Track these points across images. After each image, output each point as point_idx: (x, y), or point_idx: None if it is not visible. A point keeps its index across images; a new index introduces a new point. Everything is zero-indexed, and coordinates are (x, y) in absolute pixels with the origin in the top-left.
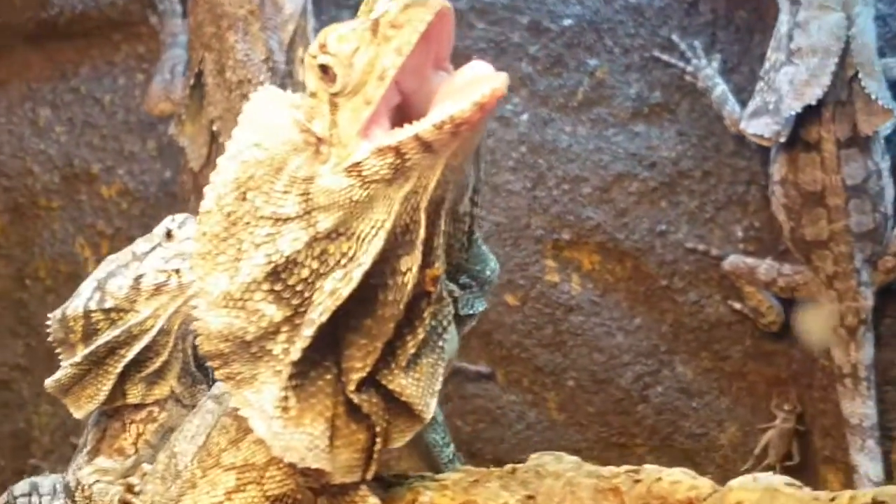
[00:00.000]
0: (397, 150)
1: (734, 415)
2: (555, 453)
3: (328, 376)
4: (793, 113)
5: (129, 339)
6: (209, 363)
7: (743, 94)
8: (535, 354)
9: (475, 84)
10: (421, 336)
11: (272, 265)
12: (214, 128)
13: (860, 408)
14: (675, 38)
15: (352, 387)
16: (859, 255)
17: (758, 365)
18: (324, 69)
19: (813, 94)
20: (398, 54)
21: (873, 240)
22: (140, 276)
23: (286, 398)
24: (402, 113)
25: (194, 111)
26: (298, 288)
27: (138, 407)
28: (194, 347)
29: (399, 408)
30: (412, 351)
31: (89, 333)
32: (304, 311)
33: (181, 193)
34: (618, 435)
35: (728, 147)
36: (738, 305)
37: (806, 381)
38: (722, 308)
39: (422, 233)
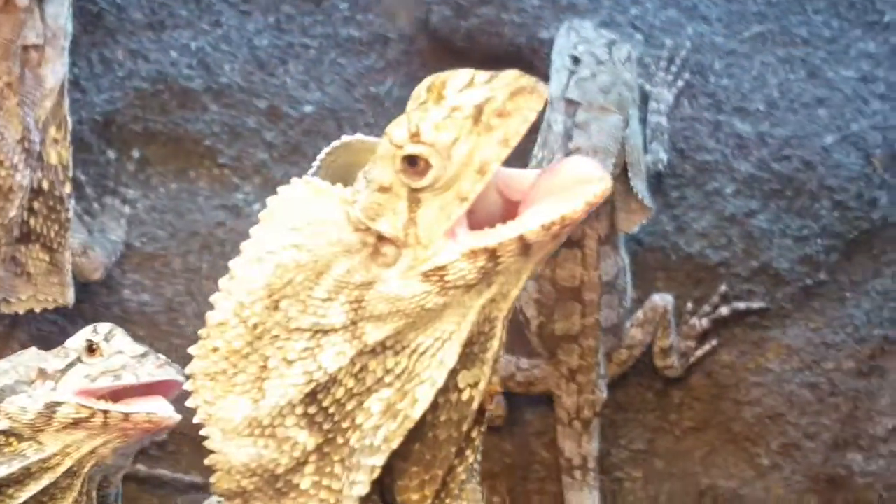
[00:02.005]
0: (493, 253)
1: None
2: None
3: None
4: None
5: (23, 476)
6: (225, 503)
7: None
8: None
9: (585, 182)
10: (470, 460)
11: (313, 384)
12: None
13: (587, 499)
14: None
15: None
16: (601, 349)
17: None
18: (411, 161)
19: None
20: (504, 146)
21: (615, 334)
22: (56, 405)
23: None
24: None
25: None
26: (331, 410)
27: None
28: (99, 490)
29: None
30: (462, 477)
31: None
32: (334, 438)
33: None
34: None
35: None
36: None
37: (521, 473)
38: None
39: (495, 345)
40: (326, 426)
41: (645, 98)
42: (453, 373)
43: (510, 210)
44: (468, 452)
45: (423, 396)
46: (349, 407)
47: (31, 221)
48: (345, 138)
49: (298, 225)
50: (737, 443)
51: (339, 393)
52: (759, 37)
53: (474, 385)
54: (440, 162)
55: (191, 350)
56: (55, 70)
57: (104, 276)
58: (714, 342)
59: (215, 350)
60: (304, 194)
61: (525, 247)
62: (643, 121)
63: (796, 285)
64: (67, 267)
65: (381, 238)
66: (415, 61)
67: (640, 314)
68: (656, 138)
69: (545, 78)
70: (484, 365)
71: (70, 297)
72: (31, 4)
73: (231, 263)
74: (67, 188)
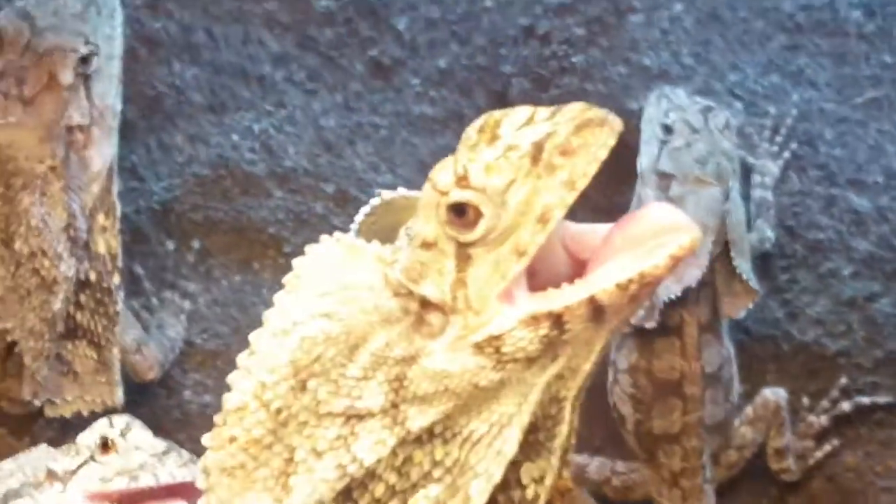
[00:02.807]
0: (558, 318)
1: None
2: None
3: None
4: (671, 297)
5: None
6: None
7: None
8: None
9: (668, 232)
10: None
11: (346, 479)
12: None
13: None
14: None
15: None
16: (707, 450)
17: None
18: (458, 210)
19: (692, 276)
20: (569, 189)
21: (721, 433)
22: None
23: None
24: None
25: None
26: None
27: None
28: None
29: None
30: None
31: None
32: None
33: None
34: None
35: None
36: None
37: None
38: None
39: (564, 431)
40: None
41: (747, 171)
42: (514, 465)
43: (579, 271)
44: None
45: (479, 493)
46: None
47: (78, 316)
48: (385, 194)
49: (328, 290)
50: None
51: (379, 490)
52: (874, 102)
53: (540, 480)
54: (493, 210)
55: (204, 440)
56: (102, 152)
57: (160, 376)
58: (836, 442)
59: (232, 440)
60: (335, 254)
61: (597, 311)
62: (746, 196)
63: None
64: (116, 365)
65: (425, 304)
66: None
67: (749, 411)
68: (762, 215)
69: (634, 153)
70: (551, 455)
71: (119, 397)
72: (76, 82)
73: (251, 337)
74: (116, 279)
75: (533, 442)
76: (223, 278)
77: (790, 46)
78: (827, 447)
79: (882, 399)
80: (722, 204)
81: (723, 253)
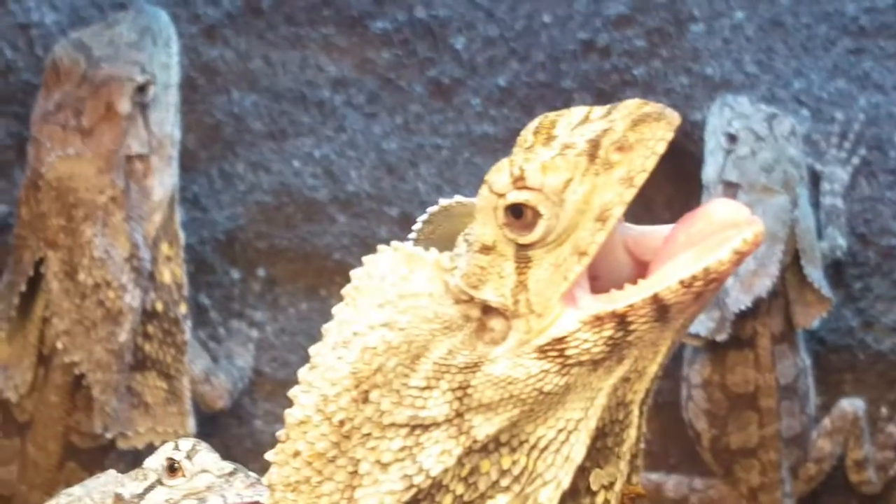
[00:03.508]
0: (622, 319)
1: None
2: None
3: None
4: (742, 308)
5: None
6: None
7: None
8: None
9: (730, 227)
10: None
11: (413, 490)
12: (59, 345)
13: None
14: None
15: None
16: (785, 464)
17: None
18: (516, 211)
19: (763, 286)
20: (627, 185)
21: (799, 446)
22: None
23: None
24: None
25: (16, 327)
26: None
27: None
28: None
29: None
30: None
31: None
32: None
33: None
34: None
35: None
36: None
37: None
38: None
39: (632, 436)
40: None
41: (815, 179)
42: (583, 472)
43: (643, 273)
44: None
45: (548, 501)
46: None
47: (146, 347)
48: (443, 202)
49: (388, 299)
50: None
51: (446, 501)
52: None
53: (610, 486)
54: (551, 210)
55: (268, 455)
56: (163, 181)
57: (229, 405)
58: None
59: (296, 454)
60: (394, 264)
61: (661, 309)
62: (815, 204)
63: None
64: (186, 394)
65: (486, 309)
66: None
67: (827, 422)
68: (832, 222)
69: (698, 165)
70: (620, 461)
71: (191, 427)
72: (134, 111)
73: (311, 350)
74: (183, 308)
75: (601, 447)
76: (290, 306)
77: (855, 50)
78: None
79: None
80: (790, 212)
81: (793, 262)
